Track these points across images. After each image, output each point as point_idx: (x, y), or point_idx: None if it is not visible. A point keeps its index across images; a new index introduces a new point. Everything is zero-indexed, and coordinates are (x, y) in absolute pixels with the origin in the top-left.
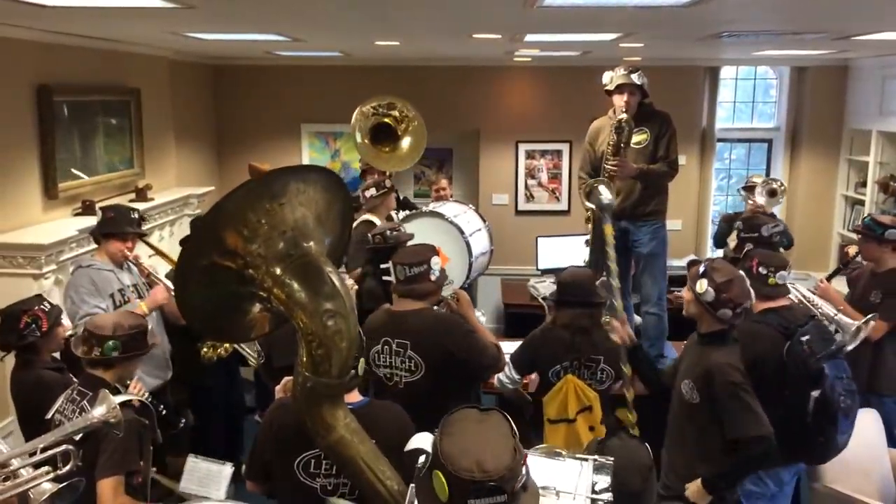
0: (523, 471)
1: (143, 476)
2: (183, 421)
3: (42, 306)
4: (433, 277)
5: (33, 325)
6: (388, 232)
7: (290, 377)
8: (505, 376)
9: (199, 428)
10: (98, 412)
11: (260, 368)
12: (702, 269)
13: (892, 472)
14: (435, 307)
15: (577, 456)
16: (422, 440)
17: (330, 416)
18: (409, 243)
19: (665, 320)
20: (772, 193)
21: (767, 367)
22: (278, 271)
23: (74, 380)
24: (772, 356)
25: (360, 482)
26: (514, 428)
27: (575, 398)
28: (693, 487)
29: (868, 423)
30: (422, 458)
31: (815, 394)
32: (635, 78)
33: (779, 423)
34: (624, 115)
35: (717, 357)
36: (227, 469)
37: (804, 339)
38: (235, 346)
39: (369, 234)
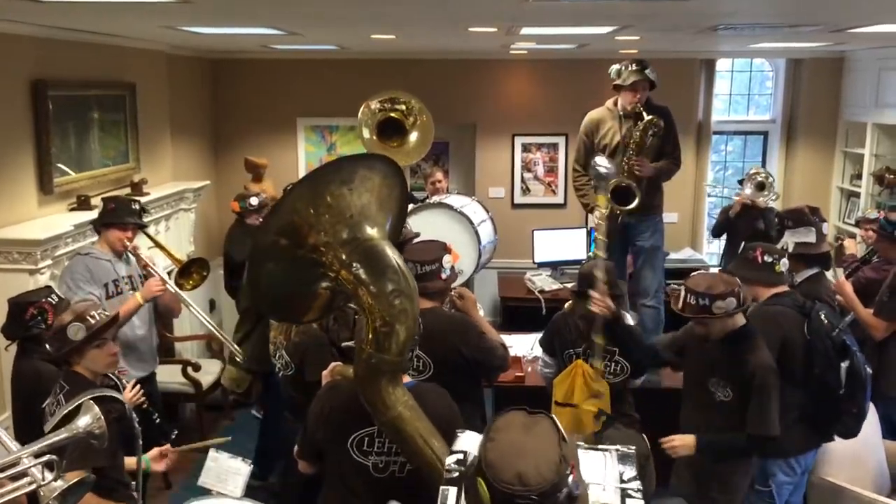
0: (569, 481)
1: (135, 469)
2: (175, 433)
3: (49, 299)
4: (444, 276)
5: (39, 318)
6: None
7: (337, 363)
8: (542, 363)
9: (268, 415)
10: (83, 423)
11: (287, 380)
12: (698, 300)
13: (886, 463)
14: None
15: (599, 447)
16: (469, 441)
17: (390, 392)
18: (416, 239)
19: (662, 312)
20: (760, 187)
21: (795, 345)
22: (344, 256)
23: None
24: (797, 335)
25: (418, 459)
26: (564, 435)
27: (583, 384)
28: (688, 440)
29: None
30: (469, 459)
31: (844, 365)
32: (649, 73)
33: (812, 400)
34: (647, 115)
35: (757, 358)
36: (246, 467)
37: (822, 313)
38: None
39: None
